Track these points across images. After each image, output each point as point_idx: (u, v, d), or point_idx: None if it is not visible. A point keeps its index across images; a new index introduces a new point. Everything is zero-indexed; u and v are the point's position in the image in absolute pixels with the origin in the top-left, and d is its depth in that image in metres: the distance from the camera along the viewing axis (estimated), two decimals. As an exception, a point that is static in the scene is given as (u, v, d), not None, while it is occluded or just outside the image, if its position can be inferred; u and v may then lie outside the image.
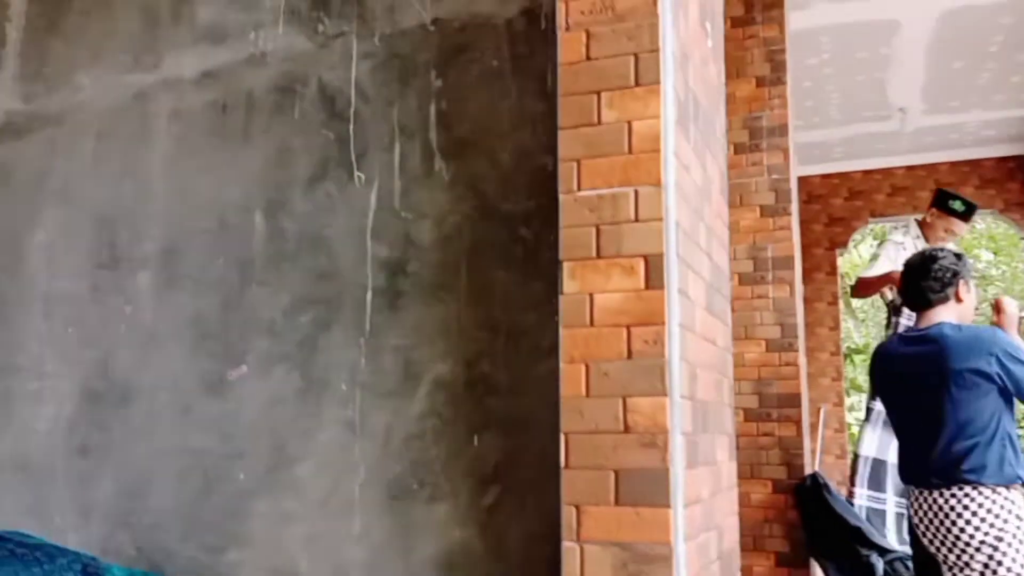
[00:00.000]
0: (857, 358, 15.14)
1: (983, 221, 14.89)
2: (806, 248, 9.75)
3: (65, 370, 3.09)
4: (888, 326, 5.09)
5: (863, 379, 16.11)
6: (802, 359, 4.59)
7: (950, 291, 2.98)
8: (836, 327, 11.21)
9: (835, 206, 10.91)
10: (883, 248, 5.07)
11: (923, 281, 3.00)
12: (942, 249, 3.12)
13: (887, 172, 10.77)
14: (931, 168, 10.64)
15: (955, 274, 2.99)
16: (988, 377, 2.76)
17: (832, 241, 10.94)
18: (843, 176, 10.82)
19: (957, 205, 4.96)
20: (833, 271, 11.15)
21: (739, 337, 4.65)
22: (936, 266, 2.99)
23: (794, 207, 4.66)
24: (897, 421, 3.13)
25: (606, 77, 1.95)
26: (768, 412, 4.52)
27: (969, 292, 3.01)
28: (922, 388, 2.89)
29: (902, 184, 10.76)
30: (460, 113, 2.69)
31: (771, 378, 4.56)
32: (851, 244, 11.56)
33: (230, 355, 2.84)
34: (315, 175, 2.83)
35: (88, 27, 3.28)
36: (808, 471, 4.56)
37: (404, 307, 2.66)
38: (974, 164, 10.58)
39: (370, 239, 2.73)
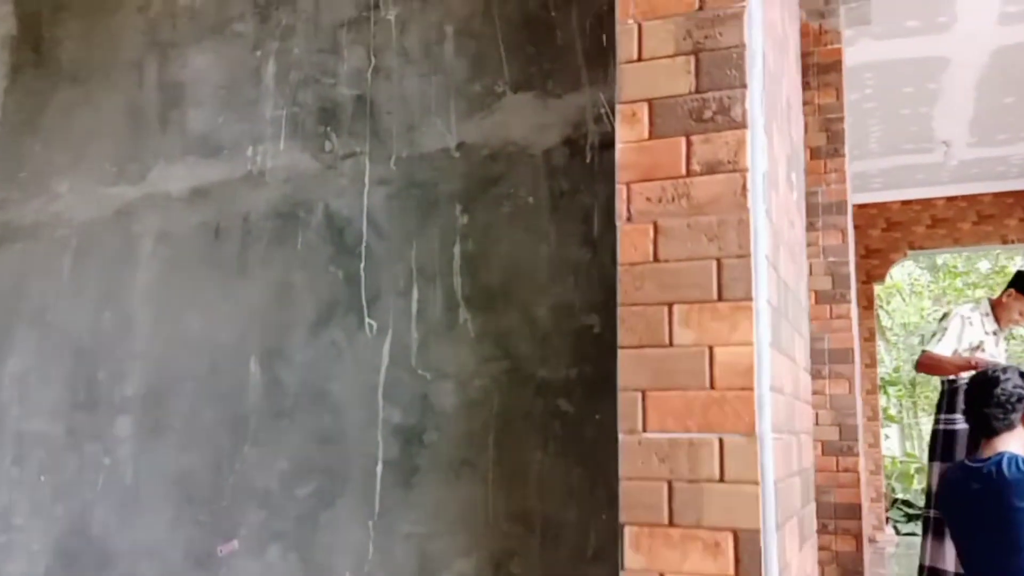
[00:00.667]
0: (891, 389, 14.63)
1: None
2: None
3: (37, 524, 2.71)
4: (940, 410, 4.68)
5: (895, 410, 15.60)
6: (862, 463, 4.16)
7: (1015, 417, 2.68)
8: (873, 364, 10.75)
9: (872, 237, 10.44)
10: (949, 321, 4.67)
11: (985, 407, 2.70)
12: (1005, 369, 2.78)
13: (927, 203, 10.29)
14: (973, 199, 10.16)
15: (1020, 399, 2.69)
16: None
17: (869, 274, 10.47)
18: (881, 207, 10.35)
19: None
20: (870, 305, 10.67)
21: (790, 437, 4.23)
22: (999, 390, 2.69)
23: (852, 293, 4.22)
24: (965, 557, 2.82)
25: (680, 286, 1.54)
26: (824, 524, 4.08)
27: None
28: (985, 526, 2.61)
29: (942, 215, 10.28)
30: (489, 257, 2.29)
31: (828, 485, 4.12)
32: (888, 277, 11.05)
33: (219, 526, 2.45)
34: (320, 319, 2.44)
35: (69, 127, 2.90)
36: (867, 591, 4.14)
37: (420, 485, 2.26)
38: (1019, 195, 10.08)
39: (382, 399, 2.33)
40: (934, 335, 4.71)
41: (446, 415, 2.26)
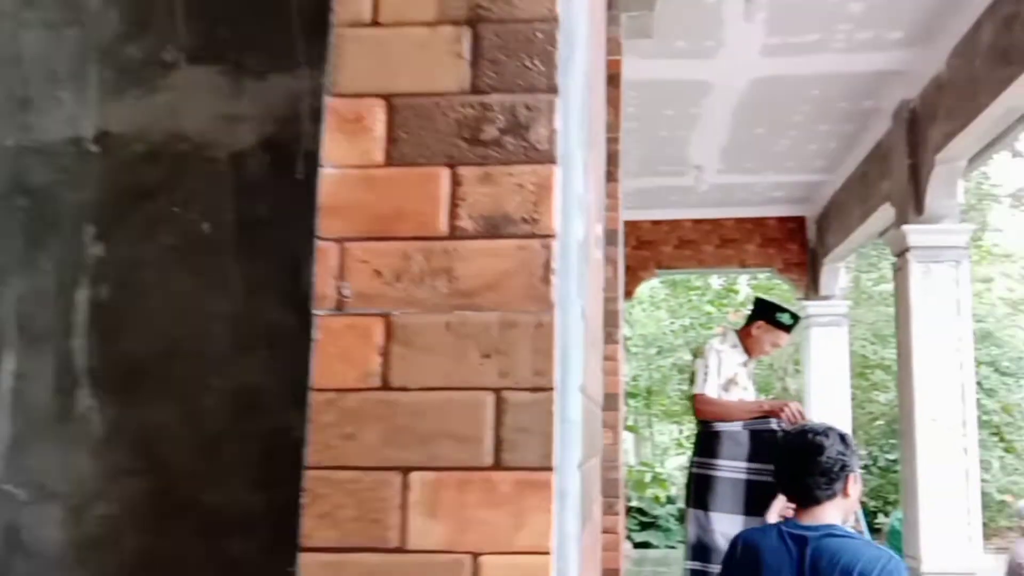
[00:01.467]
0: (630, 400, 14.94)
1: (755, 277, 15.24)
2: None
3: None
4: (697, 453, 4.38)
5: (632, 419, 16.00)
6: (622, 522, 3.71)
7: (838, 487, 2.42)
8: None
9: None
10: (707, 359, 4.40)
11: (808, 477, 2.41)
12: (826, 433, 2.46)
13: (675, 224, 10.48)
14: (717, 223, 10.46)
15: (844, 467, 2.43)
16: None
17: (617, 290, 10.47)
18: (632, 225, 10.39)
19: (786, 318, 4.52)
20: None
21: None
22: (824, 458, 2.41)
23: (620, 334, 3.76)
24: None
25: (425, 439, 0.82)
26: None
27: (856, 483, 2.47)
28: None
29: (689, 237, 10.51)
30: (136, 311, 1.47)
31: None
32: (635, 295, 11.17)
33: None
34: None
35: None
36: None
37: (1, 676, 1.40)
38: (758, 222, 10.49)
39: (-54, 531, 1.45)
40: (694, 375, 4.44)
41: (48, 558, 1.42)
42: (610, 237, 3.72)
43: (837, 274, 10.27)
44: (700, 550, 4.04)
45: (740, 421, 4.05)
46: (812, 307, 10.23)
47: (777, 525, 2.55)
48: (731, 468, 3.99)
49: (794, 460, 2.47)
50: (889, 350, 13.91)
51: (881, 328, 14.16)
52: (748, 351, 4.55)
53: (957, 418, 6.67)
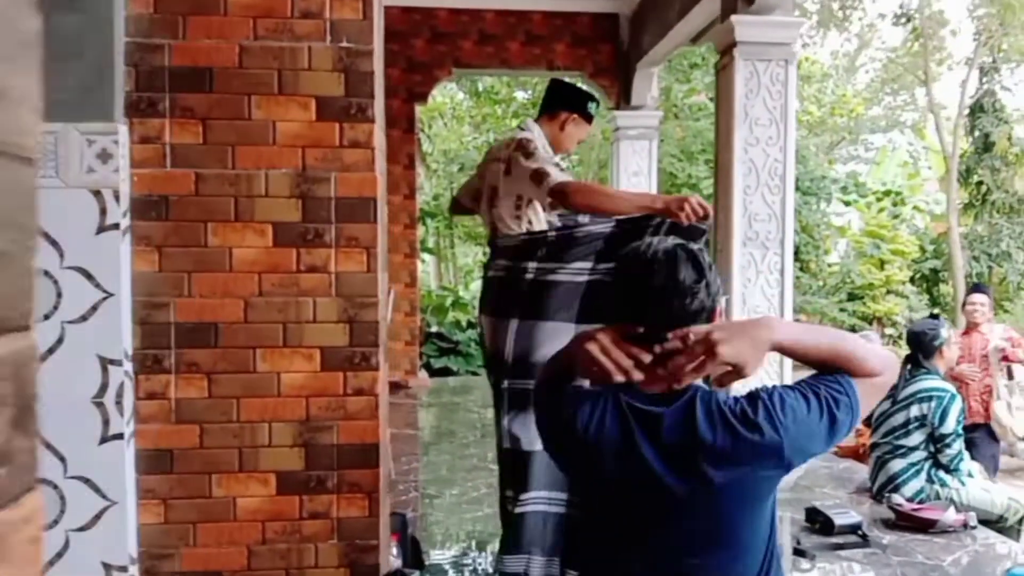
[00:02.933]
0: (430, 221, 13.79)
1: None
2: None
3: None
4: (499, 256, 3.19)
5: (432, 241, 14.95)
6: (383, 378, 2.61)
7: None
8: (412, 195, 9.63)
9: (416, 48, 9.04)
10: (536, 149, 3.15)
11: (676, 300, 1.60)
12: (686, 248, 1.65)
13: (476, 15, 9.10)
14: (523, 16, 9.18)
15: (715, 293, 1.67)
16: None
17: (411, 92, 9.15)
18: (426, 13, 8.95)
19: (595, 108, 3.58)
20: (411, 128, 9.41)
21: (274, 345, 2.52)
22: (701, 284, 1.62)
23: (378, 105, 2.54)
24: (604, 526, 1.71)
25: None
26: (321, 478, 2.51)
27: (722, 319, 1.73)
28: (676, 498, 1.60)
29: (491, 31, 9.19)
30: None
31: (329, 419, 2.53)
32: (431, 98, 9.83)
33: None
34: None
35: None
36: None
37: None
38: (568, 18, 9.31)
39: None
40: (535, 170, 3.10)
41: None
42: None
43: (650, 82, 9.36)
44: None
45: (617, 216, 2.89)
46: (622, 118, 9.33)
47: (615, 393, 1.55)
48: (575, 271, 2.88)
49: (659, 284, 1.60)
50: (696, 167, 13.49)
51: (689, 145, 13.63)
52: (555, 147, 3.49)
53: (775, 236, 6.04)
